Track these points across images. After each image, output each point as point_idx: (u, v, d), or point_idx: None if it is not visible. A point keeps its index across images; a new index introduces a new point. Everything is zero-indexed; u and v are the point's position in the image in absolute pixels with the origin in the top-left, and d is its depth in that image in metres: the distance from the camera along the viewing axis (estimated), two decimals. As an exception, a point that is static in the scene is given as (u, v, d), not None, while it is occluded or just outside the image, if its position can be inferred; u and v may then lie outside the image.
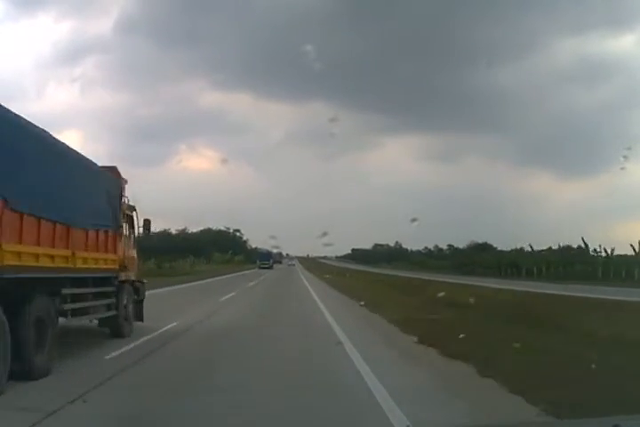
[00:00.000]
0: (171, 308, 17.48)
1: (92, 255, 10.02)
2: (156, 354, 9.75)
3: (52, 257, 8.20)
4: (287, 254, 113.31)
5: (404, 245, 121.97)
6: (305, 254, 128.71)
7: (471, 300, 20.01)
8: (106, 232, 10.72)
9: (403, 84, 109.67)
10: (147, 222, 13.45)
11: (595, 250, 57.60)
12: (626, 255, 56.06)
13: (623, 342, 9.09)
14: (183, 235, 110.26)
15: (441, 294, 22.04)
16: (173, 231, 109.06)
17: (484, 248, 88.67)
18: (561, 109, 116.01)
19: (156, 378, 7.66)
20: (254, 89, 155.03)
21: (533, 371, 7.18)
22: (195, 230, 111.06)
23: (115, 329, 11.60)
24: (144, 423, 5.58)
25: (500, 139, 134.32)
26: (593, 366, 7.03)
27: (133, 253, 13.26)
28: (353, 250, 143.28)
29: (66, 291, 8.90)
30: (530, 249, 70.51)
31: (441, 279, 39.62)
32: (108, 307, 11.10)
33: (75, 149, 9.84)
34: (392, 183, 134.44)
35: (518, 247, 75.80)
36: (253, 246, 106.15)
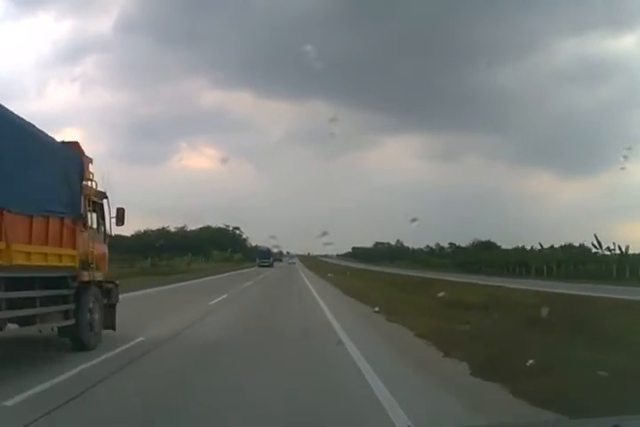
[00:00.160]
0: (150, 313, 15.25)
1: (40, 249, 7.97)
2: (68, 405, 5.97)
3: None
4: (287, 253, 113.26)
5: (405, 244, 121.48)
6: (305, 253, 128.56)
7: (494, 302, 18.14)
8: (61, 221, 8.66)
9: (403, 83, 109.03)
10: (120, 212, 11.35)
11: (608, 248, 55.51)
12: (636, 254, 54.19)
13: None
14: (182, 233, 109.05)
15: (455, 296, 20.15)
16: (172, 229, 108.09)
17: (488, 246, 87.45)
18: (561, 109, 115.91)
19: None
20: (255, 88, 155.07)
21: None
22: (194, 228, 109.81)
23: (76, 340, 9.55)
24: None
25: (500, 138, 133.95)
26: None
27: (103, 248, 11.20)
28: (354, 248, 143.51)
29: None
30: (539, 247, 69.52)
31: (449, 278, 37.56)
32: (66, 314, 9.06)
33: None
34: (392, 182, 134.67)
35: (520, 246, 76.29)
36: (253, 244, 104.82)
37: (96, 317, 10.08)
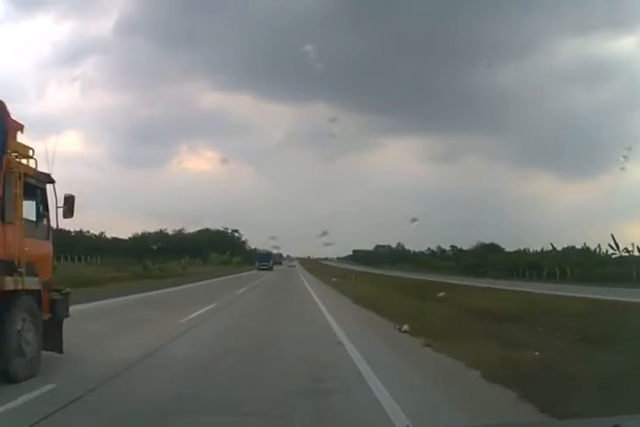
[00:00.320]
0: (98, 334, 11.22)
1: None
2: None
3: None
4: (287, 256, 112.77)
5: (406, 246, 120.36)
6: (305, 256, 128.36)
7: (528, 311, 15.59)
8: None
9: (403, 84, 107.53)
10: (69, 200, 8.72)
11: (626, 249, 53.01)
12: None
13: None
14: (180, 235, 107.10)
15: (479, 304, 17.61)
16: (170, 232, 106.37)
17: (492, 249, 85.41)
18: (562, 110, 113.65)
19: None
20: (255, 90, 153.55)
21: None
22: (192, 231, 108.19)
23: (1, 369, 6.99)
24: None
25: (501, 140, 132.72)
26: None
27: (45, 246, 8.60)
28: (354, 251, 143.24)
29: None
30: (550, 248, 67.40)
31: (459, 282, 34.96)
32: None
33: None
34: (393, 184, 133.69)
35: (522, 248, 74.85)
36: (252, 247, 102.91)
37: (30, 338, 7.50)
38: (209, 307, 18.10)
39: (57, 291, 8.56)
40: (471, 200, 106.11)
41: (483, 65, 78.73)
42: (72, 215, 8.69)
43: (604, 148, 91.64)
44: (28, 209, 8.08)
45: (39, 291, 7.88)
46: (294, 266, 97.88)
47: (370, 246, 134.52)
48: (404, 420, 5.49)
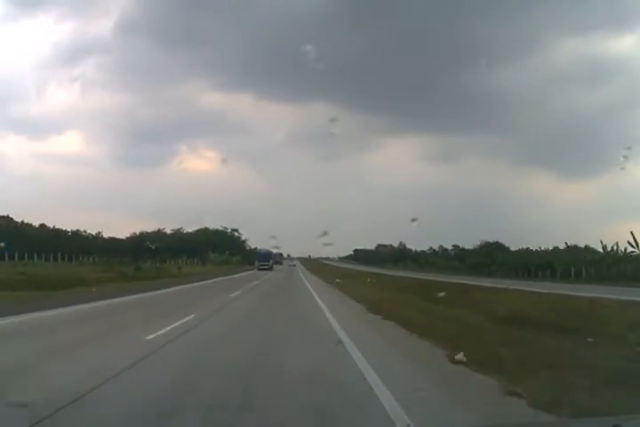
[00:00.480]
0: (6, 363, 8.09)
1: None
2: None
3: None
4: (288, 255, 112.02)
5: (407, 246, 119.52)
6: (306, 255, 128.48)
7: (564, 317, 13.28)
8: None
9: (403, 84, 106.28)
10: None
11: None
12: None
13: None
14: (178, 235, 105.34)
15: (504, 308, 15.24)
16: (168, 231, 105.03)
17: (497, 248, 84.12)
18: (562, 110, 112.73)
19: None
20: (255, 90, 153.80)
21: None
22: (190, 230, 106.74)
23: None
24: None
25: (501, 139, 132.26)
26: None
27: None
28: (355, 250, 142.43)
29: None
30: (565, 246, 65.49)
31: (476, 283, 32.33)
32: None
33: None
34: (393, 184, 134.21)
35: (524, 247, 74.30)
36: (253, 247, 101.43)
37: None
38: (188, 318, 14.42)
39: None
40: (472, 200, 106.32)
41: (483, 65, 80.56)
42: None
43: (604, 148, 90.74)
44: None
45: None
46: (295, 266, 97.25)
47: (371, 246, 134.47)
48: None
